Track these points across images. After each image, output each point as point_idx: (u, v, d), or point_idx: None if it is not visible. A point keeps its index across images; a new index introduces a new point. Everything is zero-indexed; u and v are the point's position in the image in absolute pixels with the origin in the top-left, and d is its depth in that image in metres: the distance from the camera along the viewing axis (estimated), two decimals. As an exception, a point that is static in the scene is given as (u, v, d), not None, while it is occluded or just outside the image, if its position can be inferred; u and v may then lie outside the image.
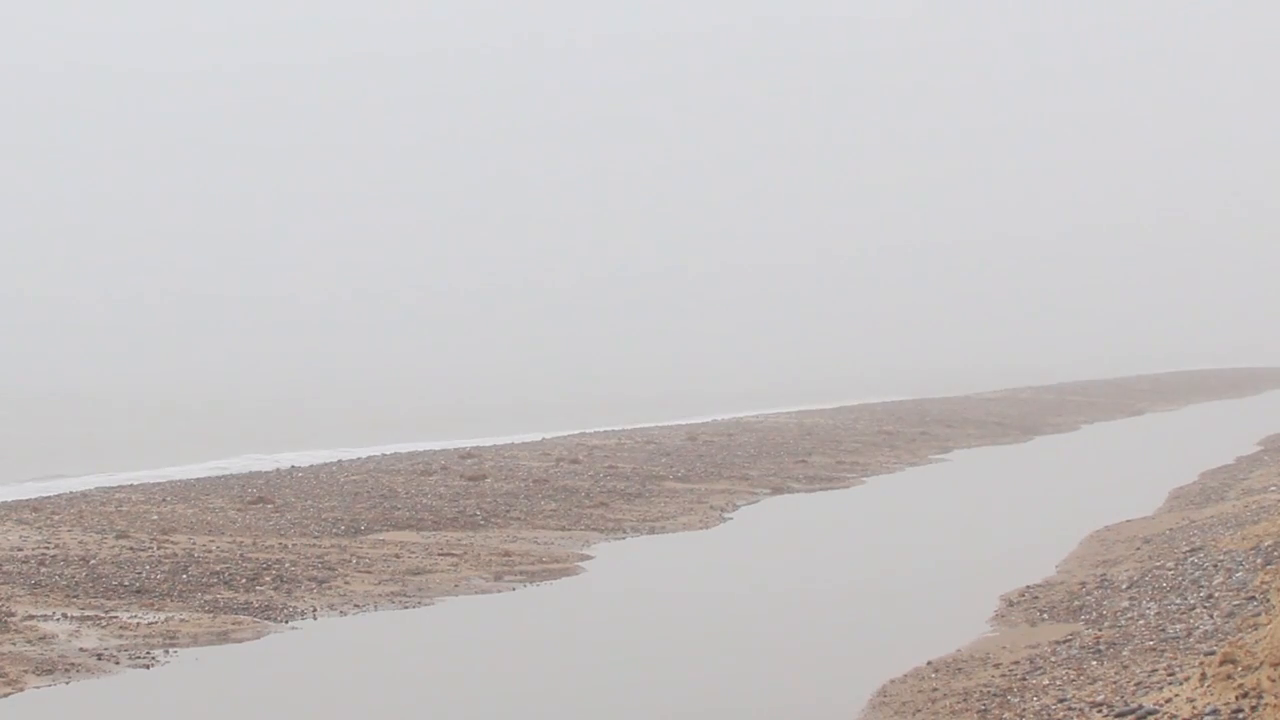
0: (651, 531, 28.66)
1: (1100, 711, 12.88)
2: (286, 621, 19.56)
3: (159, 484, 32.50)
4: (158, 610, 19.67)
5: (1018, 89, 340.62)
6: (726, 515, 31.38)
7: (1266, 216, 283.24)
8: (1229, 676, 11.66)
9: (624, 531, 28.43)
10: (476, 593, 21.95)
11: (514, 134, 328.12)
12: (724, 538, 28.61)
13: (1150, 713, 12.20)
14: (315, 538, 25.78)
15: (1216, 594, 17.87)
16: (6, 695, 15.55)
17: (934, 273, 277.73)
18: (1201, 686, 11.91)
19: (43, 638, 17.81)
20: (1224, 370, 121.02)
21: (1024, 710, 13.61)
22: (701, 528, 29.49)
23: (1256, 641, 11.95)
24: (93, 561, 22.30)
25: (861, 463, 42.70)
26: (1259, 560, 19.30)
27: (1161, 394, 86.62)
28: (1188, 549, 21.80)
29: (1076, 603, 19.08)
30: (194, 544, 24.12)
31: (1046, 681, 14.63)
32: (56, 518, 26.16)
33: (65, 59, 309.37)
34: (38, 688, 15.91)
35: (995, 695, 14.36)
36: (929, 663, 16.31)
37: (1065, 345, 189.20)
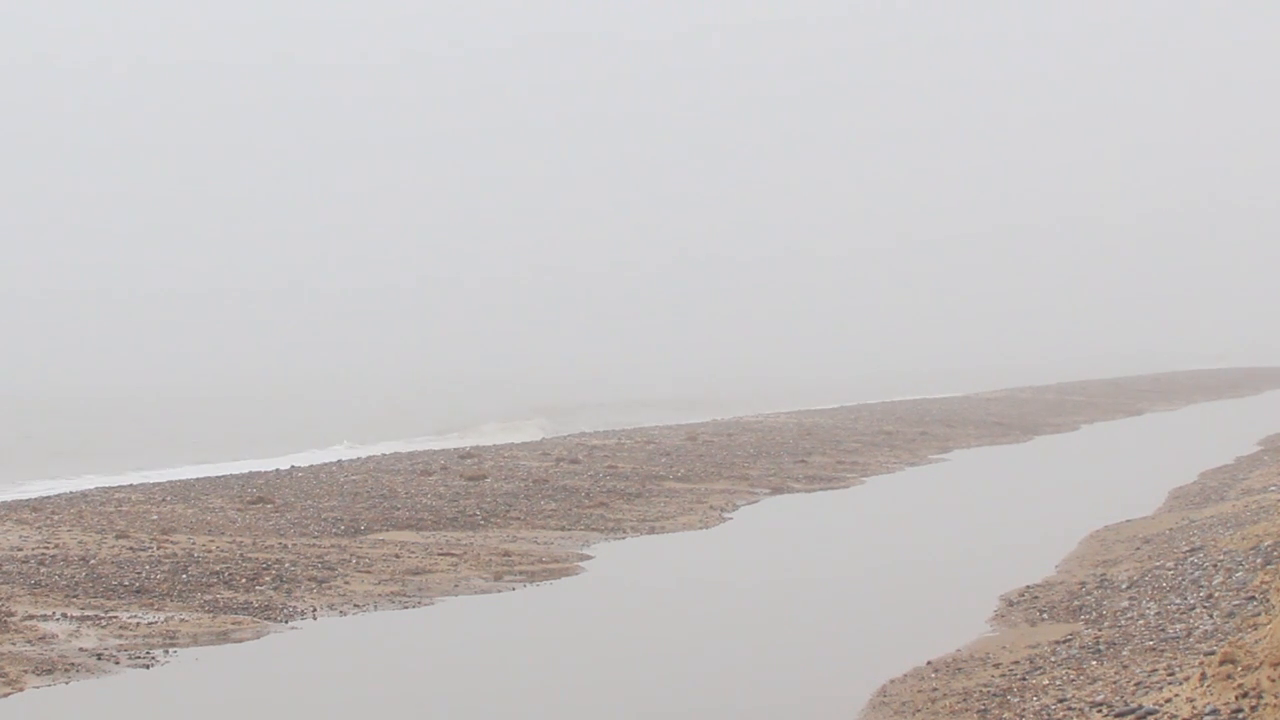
0: (651, 531, 28.67)
1: (1100, 711, 12.89)
2: (286, 621, 19.56)
3: (159, 484, 32.50)
4: (158, 610, 19.68)
5: (1020, 85, 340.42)
6: (726, 515, 31.37)
7: (1267, 215, 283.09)
8: (1229, 676, 11.66)
9: (624, 531, 28.43)
10: (476, 592, 21.96)
11: (511, 132, 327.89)
12: (724, 537, 28.61)
13: (1150, 713, 12.20)
14: (315, 538, 25.78)
15: (1216, 594, 17.87)
16: (6, 695, 15.55)
17: (934, 271, 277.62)
18: (1201, 686, 11.91)
19: (42, 638, 17.81)
20: (1224, 370, 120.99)
21: (1024, 710, 13.62)
22: (701, 527, 29.49)
23: (1256, 641, 11.95)
24: (92, 561, 22.30)
25: (861, 463, 42.69)
26: (1259, 560, 19.30)
27: (1161, 394, 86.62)
28: (1188, 549, 21.80)
29: (1076, 603, 19.08)
30: (194, 544, 24.12)
31: (1046, 681, 14.64)
32: (56, 518, 26.16)
33: (65, 56, 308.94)
34: (37, 688, 15.92)
35: (995, 695, 14.37)
36: (929, 663, 16.31)
37: (1065, 345, 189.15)
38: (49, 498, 29.93)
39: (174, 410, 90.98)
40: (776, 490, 36.09)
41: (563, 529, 28.29)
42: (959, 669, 15.89)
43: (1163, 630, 16.36)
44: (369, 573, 22.70)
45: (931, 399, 74.08)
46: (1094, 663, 15.23)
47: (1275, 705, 10.96)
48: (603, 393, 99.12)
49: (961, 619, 19.02)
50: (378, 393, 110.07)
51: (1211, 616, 16.59)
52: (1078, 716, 13.01)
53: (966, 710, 14.02)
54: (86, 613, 19.23)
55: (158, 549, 23.52)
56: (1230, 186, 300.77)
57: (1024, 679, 14.90)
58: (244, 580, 21.58)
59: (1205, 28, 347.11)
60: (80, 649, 17.48)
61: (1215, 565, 19.79)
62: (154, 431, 69.74)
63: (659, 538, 28.13)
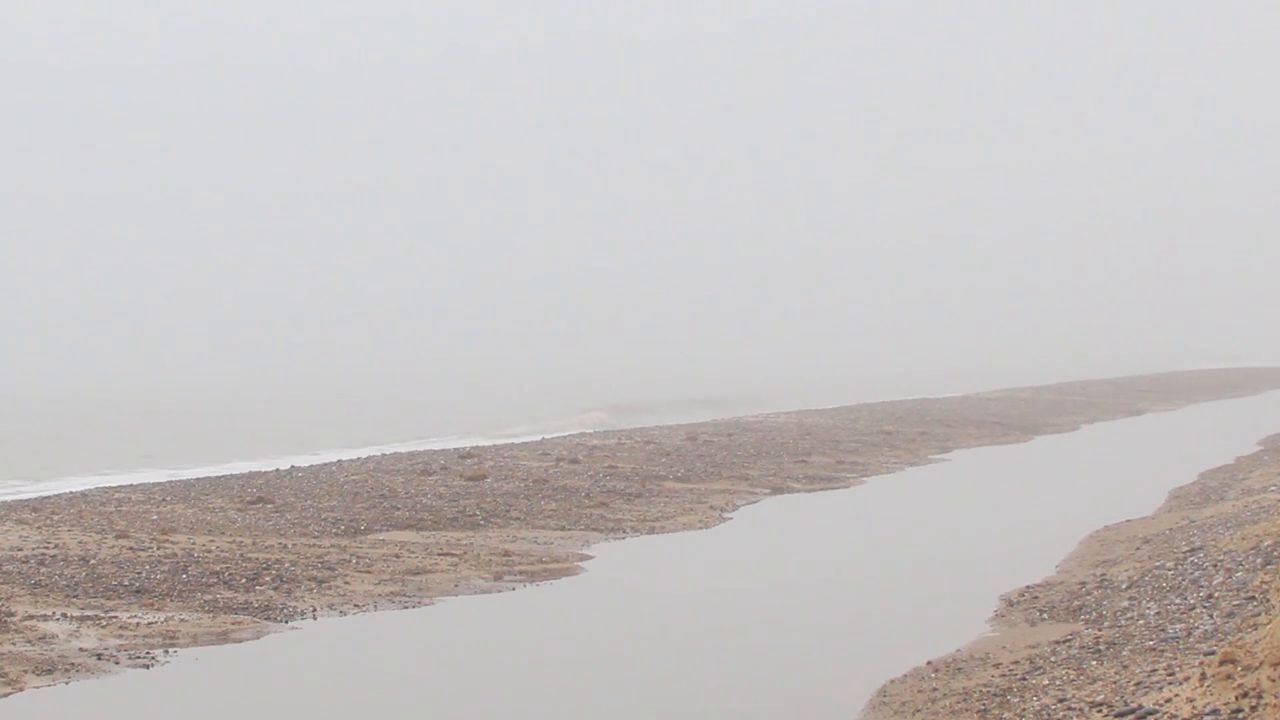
0: (651, 531, 28.66)
1: (1100, 711, 12.89)
2: (286, 621, 19.56)
3: (159, 484, 32.50)
4: (158, 610, 19.68)
5: (1020, 85, 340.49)
6: (726, 515, 31.37)
7: (1267, 215, 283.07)
8: (1229, 676, 11.66)
9: (624, 531, 28.43)
10: (476, 592, 21.96)
11: (508, 132, 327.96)
12: (724, 537, 28.61)
13: (1150, 713, 12.20)
14: (315, 538, 25.78)
15: (1216, 594, 17.88)
16: (6, 695, 15.56)
17: (934, 271, 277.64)
18: (1201, 686, 11.91)
19: (42, 638, 17.81)
20: (1224, 370, 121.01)
21: (1024, 710, 13.62)
22: (701, 527, 29.49)
23: (1256, 641, 11.95)
24: (93, 561, 22.30)
25: (861, 463, 42.69)
26: (1259, 560, 19.31)
27: (1161, 394, 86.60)
28: (1188, 549, 21.80)
29: (1076, 603, 19.08)
30: (194, 544, 24.12)
31: (1046, 681, 14.64)
32: (56, 518, 26.16)
33: (64, 56, 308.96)
34: (37, 688, 15.92)
35: (995, 695, 14.37)
36: (929, 663, 16.31)
37: (1065, 345, 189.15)
38: (49, 498, 29.93)
39: (171, 410, 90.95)
40: (776, 490, 36.09)
41: (563, 529, 28.29)
42: (959, 669, 15.89)
43: (1163, 630, 16.36)
44: (369, 573, 22.71)
45: (931, 399, 74.05)
46: (1094, 663, 15.23)
47: (1275, 705, 10.96)
48: (629, 392, 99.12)
49: (961, 619, 19.02)
50: (408, 393, 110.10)
51: (1211, 616, 16.59)
52: (1078, 716, 13.01)
53: (966, 710, 14.02)
54: (86, 613, 19.22)
55: (158, 549, 23.52)
56: (1233, 187, 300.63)
57: (1024, 679, 14.90)
58: (244, 580, 21.58)
59: (1215, 26, 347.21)
60: (80, 649, 17.48)
61: (1215, 565, 19.79)
62: (153, 432, 69.73)
63: (659, 538, 28.13)
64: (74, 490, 32.61)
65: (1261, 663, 11.46)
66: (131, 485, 32.31)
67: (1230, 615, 16.38)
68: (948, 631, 18.13)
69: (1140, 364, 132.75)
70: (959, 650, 16.95)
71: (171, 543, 24.12)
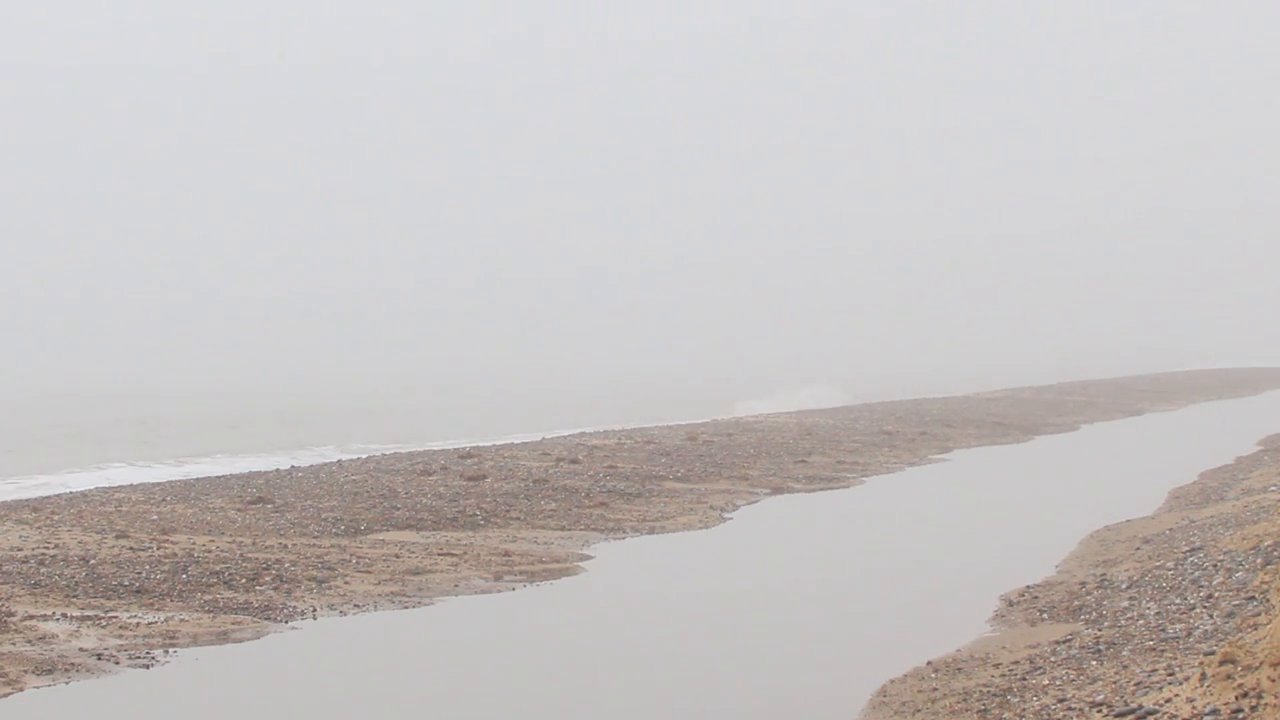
0: (651, 531, 28.67)
1: (1100, 711, 12.89)
2: (286, 621, 19.57)
3: (159, 484, 32.50)
4: (158, 610, 19.68)
5: (1017, 86, 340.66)
6: (726, 515, 31.38)
7: (1267, 215, 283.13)
8: (1229, 676, 11.66)
9: (624, 531, 28.44)
10: (476, 592, 21.96)
11: (509, 132, 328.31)
12: (724, 537, 28.61)
13: (1150, 713, 12.20)
14: (315, 538, 25.79)
15: (1216, 594, 17.88)
16: (6, 695, 15.56)
17: (933, 271, 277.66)
18: (1201, 686, 11.91)
19: (42, 638, 17.81)
20: (1224, 370, 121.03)
21: (1024, 710, 13.62)
22: (701, 527, 29.49)
23: (1256, 641, 11.95)
24: (93, 561, 22.30)
25: (861, 463, 42.69)
26: (1259, 560, 19.32)
27: (1161, 394, 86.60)
28: (1188, 549, 21.81)
29: (1076, 603, 19.09)
30: (194, 544, 24.13)
31: (1046, 681, 14.64)
32: (56, 518, 26.17)
33: (64, 56, 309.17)
34: (37, 688, 15.92)
35: (995, 695, 14.37)
36: (929, 663, 16.32)
37: (1065, 345, 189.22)
38: (49, 498, 29.94)
39: (170, 410, 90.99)
40: (776, 490, 36.09)
41: (563, 529, 28.30)
42: (959, 669, 15.90)
43: (1163, 630, 16.37)
44: (369, 573, 22.71)
45: (931, 399, 74.04)
46: (1094, 663, 15.23)
47: (1275, 705, 10.97)
48: (608, 395, 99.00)
49: (961, 619, 19.03)
50: (408, 395, 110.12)
51: (1211, 616, 16.59)
52: (1078, 716, 13.02)
53: (966, 710, 14.02)
54: (86, 613, 19.23)
55: (158, 549, 23.52)
56: (1233, 187, 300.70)
57: (1024, 679, 14.90)
58: (244, 580, 21.59)
59: (1212, 27, 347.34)
60: (80, 649, 17.48)
61: (1215, 565, 19.80)
62: (153, 431, 69.76)
63: (659, 538, 28.13)
64: (74, 490, 32.62)
65: (1261, 663, 11.46)
66: (131, 485, 32.31)
67: (1230, 615, 16.38)
68: (948, 631, 18.14)
69: (1140, 364, 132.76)
70: (959, 650, 16.96)
71: (171, 543, 24.12)
